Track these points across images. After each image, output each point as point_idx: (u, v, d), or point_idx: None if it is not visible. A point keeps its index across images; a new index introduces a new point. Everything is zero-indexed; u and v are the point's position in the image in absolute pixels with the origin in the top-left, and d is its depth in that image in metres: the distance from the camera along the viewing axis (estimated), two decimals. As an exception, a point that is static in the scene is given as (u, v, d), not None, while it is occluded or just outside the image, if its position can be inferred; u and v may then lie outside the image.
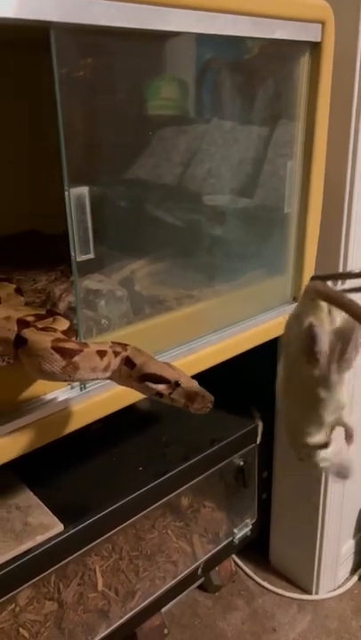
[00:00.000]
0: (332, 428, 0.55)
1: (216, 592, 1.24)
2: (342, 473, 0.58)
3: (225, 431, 1.05)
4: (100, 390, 0.64)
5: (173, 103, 0.77)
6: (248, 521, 1.18)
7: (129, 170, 0.76)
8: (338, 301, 0.46)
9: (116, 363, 0.54)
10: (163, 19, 0.54)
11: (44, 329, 0.54)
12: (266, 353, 1.01)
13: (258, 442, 1.11)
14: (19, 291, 0.71)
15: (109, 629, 0.94)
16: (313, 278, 0.50)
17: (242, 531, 1.16)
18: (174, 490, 0.96)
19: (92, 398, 0.64)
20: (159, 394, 0.53)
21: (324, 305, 0.48)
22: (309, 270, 0.90)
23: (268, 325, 0.87)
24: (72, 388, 0.62)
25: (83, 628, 0.90)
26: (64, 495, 0.86)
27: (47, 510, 0.82)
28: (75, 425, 0.63)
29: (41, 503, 0.83)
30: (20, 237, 1.06)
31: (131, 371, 0.54)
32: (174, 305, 0.77)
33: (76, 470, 0.92)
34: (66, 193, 0.54)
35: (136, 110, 0.72)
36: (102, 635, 0.93)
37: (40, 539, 0.77)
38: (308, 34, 0.72)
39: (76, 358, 0.52)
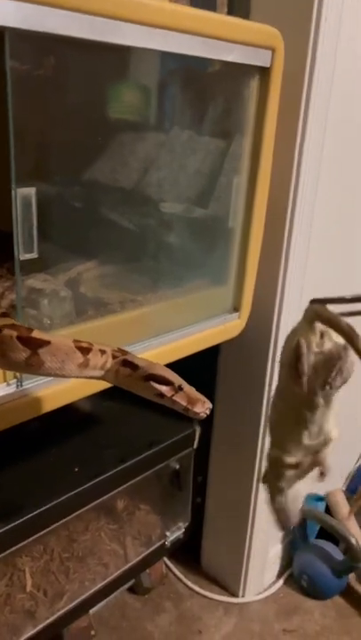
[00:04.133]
0: (312, 463, 0.56)
1: (146, 594, 1.25)
2: (284, 521, 0.60)
3: (163, 434, 1.06)
4: (37, 388, 0.65)
5: (134, 109, 0.79)
6: (181, 524, 1.20)
7: (84, 172, 0.77)
8: (336, 324, 0.49)
9: (111, 362, 0.57)
10: (118, 32, 0.55)
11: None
12: (205, 359, 1.04)
13: (195, 446, 1.14)
14: None
15: (35, 630, 0.93)
16: (313, 301, 0.53)
17: (174, 534, 1.18)
18: (109, 491, 0.96)
19: (28, 396, 0.64)
20: (161, 394, 0.55)
21: (317, 328, 0.51)
22: (250, 283, 0.93)
23: (209, 333, 0.89)
24: (8, 384, 0.62)
25: (7, 628, 0.89)
26: (-4, 493, 0.86)
27: (-23, 508, 0.81)
28: (9, 422, 0.63)
29: (-29, 501, 0.82)
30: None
31: (132, 371, 0.56)
32: (118, 308, 0.78)
33: (10, 468, 0.91)
34: (12, 192, 0.54)
35: (95, 113, 0.73)
36: (27, 635, 0.92)
37: (-32, 536, 0.76)
38: (259, 59, 0.76)
39: (90, 355, 0.54)
